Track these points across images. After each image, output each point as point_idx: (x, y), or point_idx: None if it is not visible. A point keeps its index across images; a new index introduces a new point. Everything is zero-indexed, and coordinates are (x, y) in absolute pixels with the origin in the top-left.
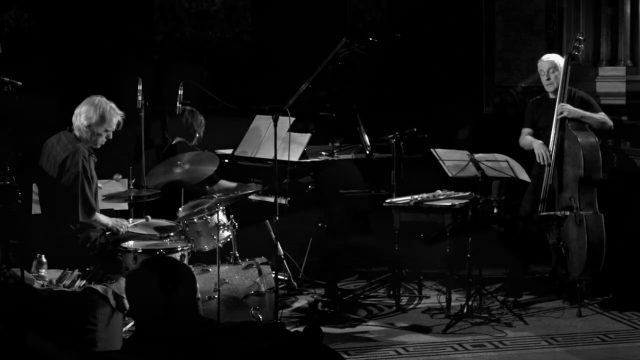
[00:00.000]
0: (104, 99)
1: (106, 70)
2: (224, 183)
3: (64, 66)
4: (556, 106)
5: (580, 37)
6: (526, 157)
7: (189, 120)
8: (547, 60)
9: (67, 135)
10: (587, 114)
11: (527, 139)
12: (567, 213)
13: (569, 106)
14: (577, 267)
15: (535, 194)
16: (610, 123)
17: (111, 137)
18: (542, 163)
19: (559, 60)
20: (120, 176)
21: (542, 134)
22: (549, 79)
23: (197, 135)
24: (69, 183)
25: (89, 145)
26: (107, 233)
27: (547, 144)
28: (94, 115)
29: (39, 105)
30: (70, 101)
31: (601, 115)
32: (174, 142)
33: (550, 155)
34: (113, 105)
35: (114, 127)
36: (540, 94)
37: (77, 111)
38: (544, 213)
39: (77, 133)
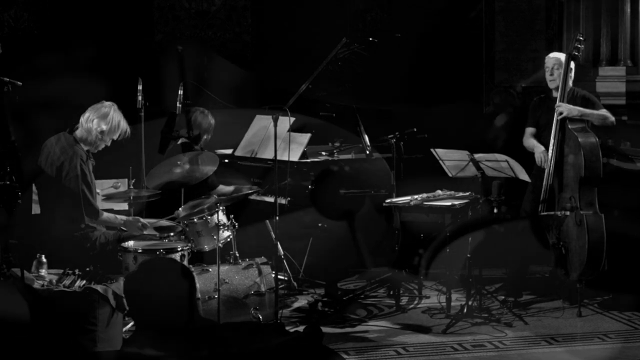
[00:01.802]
0: (115, 106)
1: (106, 69)
2: (223, 188)
3: (64, 66)
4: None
5: (581, 38)
6: (526, 157)
7: (198, 120)
8: (554, 57)
9: (66, 136)
10: (587, 111)
11: (530, 142)
12: (568, 213)
13: (566, 105)
14: (577, 267)
15: (535, 194)
16: (612, 118)
17: (109, 144)
18: (538, 164)
19: (565, 59)
20: (120, 184)
21: (542, 132)
22: (552, 74)
23: (205, 137)
24: (70, 185)
25: (88, 148)
26: (120, 230)
27: (547, 143)
28: (110, 122)
29: (39, 105)
30: (69, 101)
31: (602, 111)
32: (179, 142)
33: (550, 158)
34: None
35: (120, 137)
36: (544, 93)
37: (88, 115)
38: (545, 213)
39: (80, 134)
